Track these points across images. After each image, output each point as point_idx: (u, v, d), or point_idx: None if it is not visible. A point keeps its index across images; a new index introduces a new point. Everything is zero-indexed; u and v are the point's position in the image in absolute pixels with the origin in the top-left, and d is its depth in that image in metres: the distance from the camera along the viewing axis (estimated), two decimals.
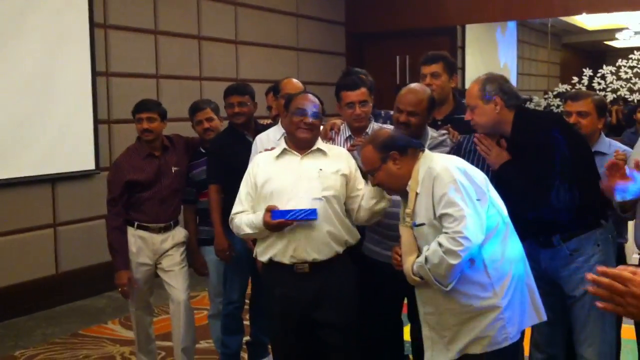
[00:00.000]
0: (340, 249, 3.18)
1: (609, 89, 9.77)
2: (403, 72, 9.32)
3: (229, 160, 4.06)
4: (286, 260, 3.14)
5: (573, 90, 8.11)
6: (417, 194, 2.80)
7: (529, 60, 12.45)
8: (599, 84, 9.81)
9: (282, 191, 3.14)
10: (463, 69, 9.93)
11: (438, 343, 2.84)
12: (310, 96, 3.30)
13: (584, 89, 8.87)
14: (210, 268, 4.32)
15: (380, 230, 3.36)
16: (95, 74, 6.20)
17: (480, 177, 2.81)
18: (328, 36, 9.39)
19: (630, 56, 9.70)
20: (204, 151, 4.29)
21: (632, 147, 3.36)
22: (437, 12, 9.16)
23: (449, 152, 3.24)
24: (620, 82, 9.77)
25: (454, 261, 2.63)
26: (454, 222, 2.64)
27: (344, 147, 3.59)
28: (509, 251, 2.81)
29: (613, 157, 3.25)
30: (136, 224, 4.03)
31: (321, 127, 3.40)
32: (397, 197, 3.07)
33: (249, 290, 4.40)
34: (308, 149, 3.24)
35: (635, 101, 9.41)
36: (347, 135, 3.68)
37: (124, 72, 6.56)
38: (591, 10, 8.93)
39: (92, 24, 6.18)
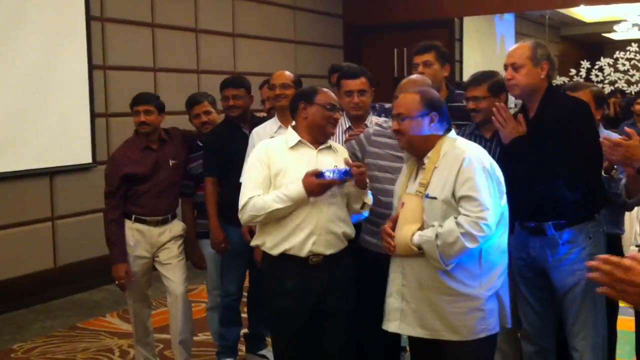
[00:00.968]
0: (346, 243, 3.21)
1: (606, 81, 9.78)
2: (401, 65, 9.31)
3: (225, 152, 4.07)
4: (303, 254, 3.09)
5: (571, 82, 8.11)
6: (435, 167, 2.82)
7: None
8: (597, 76, 9.82)
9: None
10: (461, 61, 9.93)
11: (408, 317, 2.87)
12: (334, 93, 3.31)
13: (581, 81, 8.86)
14: (208, 261, 4.33)
15: (376, 221, 3.36)
16: (92, 67, 6.20)
17: (500, 172, 2.87)
18: (326, 29, 9.37)
19: (628, 48, 9.71)
20: (201, 145, 4.29)
21: None
22: (435, 5, 9.15)
23: None
24: (617, 74, 9.78)
25: (471, 245, 2.69)
26: (478, 207, 2.70)
27: (343, 137, 3.63)
28: (502, 245, 2.87)
29: None
30: (134, 217, 4.03)
31: None
32: (389, 186, 3.11)
33: (246, 283, 4.41)
34: (323, 143, 3.22)
35: (633, 93, 9.41)
36: (347, 126, 3.72)
37: (121, 65, 6.55)
38: (589, 2, 8.93)
39: (89, 17, 6.17)
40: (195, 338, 4.46)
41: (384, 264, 3.08)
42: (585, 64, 9.86)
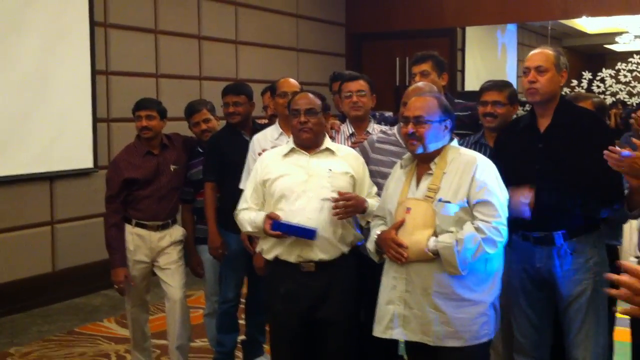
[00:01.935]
0: (346, 250, 3.19)
1: (608, 92, 9.78)
2: (402, 74, 9.32)
3: (225, 158, 4.08)
4: (292, 259, 3.14)
5: (572, 92, 8.11)
6: (444, 173, 2.84)
7: None
8: (598, 87, 9.82)
9: (290, 189, 3.13)
10: (463, 71, 9.93)
11: (411, 323, 2.86)
12: (306, 95, 3.28)
13: (583, 91, 8.87)
14: (206, 267, 4.33)
15: None
16: (94, 72, 6.21)
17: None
18: (328, 37, 9.39)
19: (630, 60, 9.71)
20: (201, 151, 4.29)
21: None
22: (437, 14, 9.17)
23: None
24: (619, 86, 9.78)
25: (491, 250, 2.75)
26: (495, 213, 2.77)
27: (346, 144, 3.63)
28: (501, 250, 2.89)
29: None
30: (134, 221, 4.03)
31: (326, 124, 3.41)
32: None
33: (244, 289, 4.41)
34: (316, 148, 3.22)
35: (634, 104, 9.41)
36: (350, 132, 3.72)
37: (123, 70, 6.57)
38: (591, 13, 8.94)
39: (93, 22, 6.18)
40: (192, 344, 4.45)
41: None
42: (587, 74, 9.85)
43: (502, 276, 2.96)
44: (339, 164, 3.20)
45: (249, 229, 3.22)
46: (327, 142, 3.27)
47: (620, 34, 11.39)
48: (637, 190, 2.93)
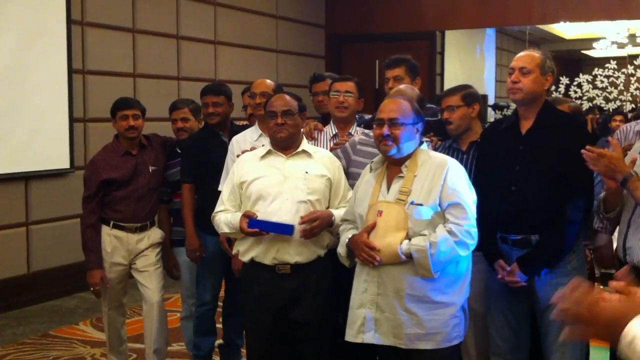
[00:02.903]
0: (322, 252, 3.21)
1: (585, 98, 9.87)
2: (382, 76, 9.27)
3: (202, 159, 4.05)
4: (267, 261, 3.16)
5: (550, 97, 8.19)
6: (415, 176, 2.85)
7: (507, 67, 12.54)
8: (575, 92, 9.91)
9: (266, 191, 3.14)
10: (442, 74, 9.98)
11: (383, 326, 2.86)
12: (283, 96, 3.29)
13: (560, 96, 8.94)
14: (182, 269, 4.29)
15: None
16: (71, 71, 6.14)
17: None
18: (308, 38, 9.38)
19: (607, 65, 9.82)
20: (180, 151, 4.26)
21: None
22: (417, 17, 9.20)
23: None
24: (596, 91, 9.89)
25: (463, 253, 2.79)
26: (467, 216, 2.80)
27: (328, 145, 3.63)
28: (470, 253, 2.92)
29: None
30: (112, 222, 3.99)
31: (303, 125, 3.40)
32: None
33: (222, 293, 4.37)
34: (293, 149, 3.23)
35: (611, 110, 9.51)
36: (333, 133, 3.71)
37: (100, 70, 6.50)
38: (570, 18, 9.02)
39: (70, 21, 6.12)
40: (169, 348, 4.41)
41: None
42: (565, 80, 9.95)
43: (482, 279, 2.97)
44: (315, 167, 3.21)
45: (226, 230, 3.23)
46: (304, 144, 3.28)
47: (597, 39, 11.51)
48: (613, 192, 2.95)
